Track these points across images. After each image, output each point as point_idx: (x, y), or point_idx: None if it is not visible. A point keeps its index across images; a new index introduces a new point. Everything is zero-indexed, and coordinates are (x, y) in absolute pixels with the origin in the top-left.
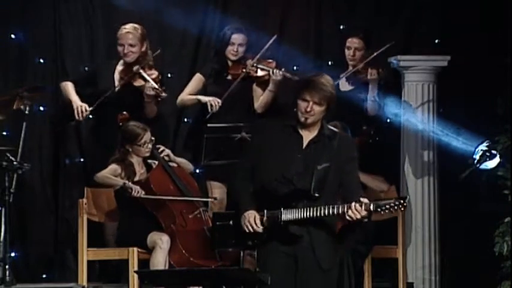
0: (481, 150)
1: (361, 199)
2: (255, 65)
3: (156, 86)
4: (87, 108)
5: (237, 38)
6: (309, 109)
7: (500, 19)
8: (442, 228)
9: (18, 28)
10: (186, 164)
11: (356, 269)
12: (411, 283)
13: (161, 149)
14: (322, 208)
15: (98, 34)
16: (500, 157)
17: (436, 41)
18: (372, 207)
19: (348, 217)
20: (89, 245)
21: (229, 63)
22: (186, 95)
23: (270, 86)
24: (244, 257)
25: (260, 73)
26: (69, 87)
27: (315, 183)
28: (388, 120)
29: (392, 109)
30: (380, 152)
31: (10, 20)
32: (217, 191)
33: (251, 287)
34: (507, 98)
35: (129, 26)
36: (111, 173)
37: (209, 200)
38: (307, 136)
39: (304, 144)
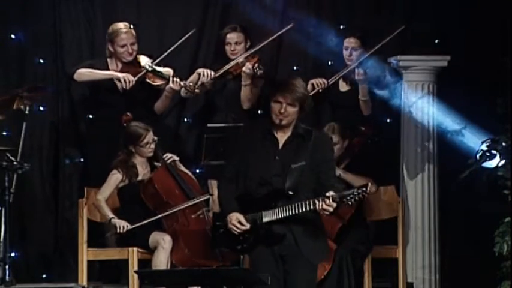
0: (481, 150)
1: (327, 193)
2: (240, 61)
3: (186, 84)
4: (132, 77)
5: (233, 37)
6: (282, 110)
7: (500, 19)
8: (442, 228)
9: (18, 28)
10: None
11: (356, 269)
12: (411, 283)
13: (169, 156)
14: (295, 206)
15: (98, 34)
16: (500, 157)
17: (436, 41)
18: (337, 199)
19: (321, 212)
20: (89, 245)
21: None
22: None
23: (242, 80)
24: (244, 257)
25: (243, 69)
26: (92, 70)
27: (289, 182)
28: (388, 121)
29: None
30: (379, 152)
31: (10, 20)
32: None
33: (251, 287)
34: (507, 98)
35: (123, 26)
36: (113, 186)
37: (207, 197)
38: (282, 137)
39: (280, 145)
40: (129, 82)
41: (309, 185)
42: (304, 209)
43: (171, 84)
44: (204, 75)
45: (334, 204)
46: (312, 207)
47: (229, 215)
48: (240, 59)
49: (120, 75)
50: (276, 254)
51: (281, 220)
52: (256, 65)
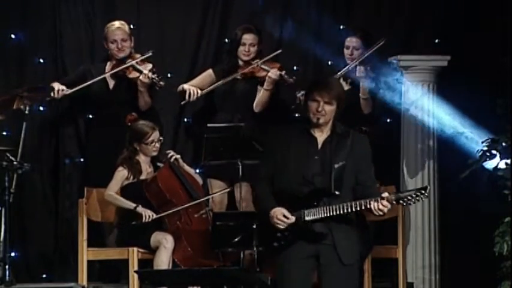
0: (481, 150)
1: (382, 194)
2: (258, 65)
3: (153, 75)
4: (66, 88)
5: (248, 38)
6: (320, 109)
7: (500, 19)
8: (442, 228)
9: (18, 28)
10: (194, 175)
11: None
12: (411, 283)
13: (171, 154)
14: (345, 205)
15: (98, 34)
16: (500, 157)
17: (436, 41)
18: (393, 200)
19: (375, 212)
20: (89, 245)
21: (241, 63)
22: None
23: (265, 85)
24: (244, 257)
25: (262, 73)
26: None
27: (335, 182)
28: (388, 121)
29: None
30: (380, 152)
31: (10, 20)
32: (218, 189)
33: (251, 287)
34: (507, 98)
35: (116, 23)
36: (120, 182)
37: (212, 195)
38: (321, 137)
39: (319, 145)
40: (59, 91)
41: (349, 184)
42: (357, 209)
43: (140, 77)
44: (191, 94)
45: (389, 206)
46: (366, 207)
47: (273, 210)
48: (258, 63)
49: (55, 86)
50: (310, 252)
51: (324, 219)
52: (284, 72)
